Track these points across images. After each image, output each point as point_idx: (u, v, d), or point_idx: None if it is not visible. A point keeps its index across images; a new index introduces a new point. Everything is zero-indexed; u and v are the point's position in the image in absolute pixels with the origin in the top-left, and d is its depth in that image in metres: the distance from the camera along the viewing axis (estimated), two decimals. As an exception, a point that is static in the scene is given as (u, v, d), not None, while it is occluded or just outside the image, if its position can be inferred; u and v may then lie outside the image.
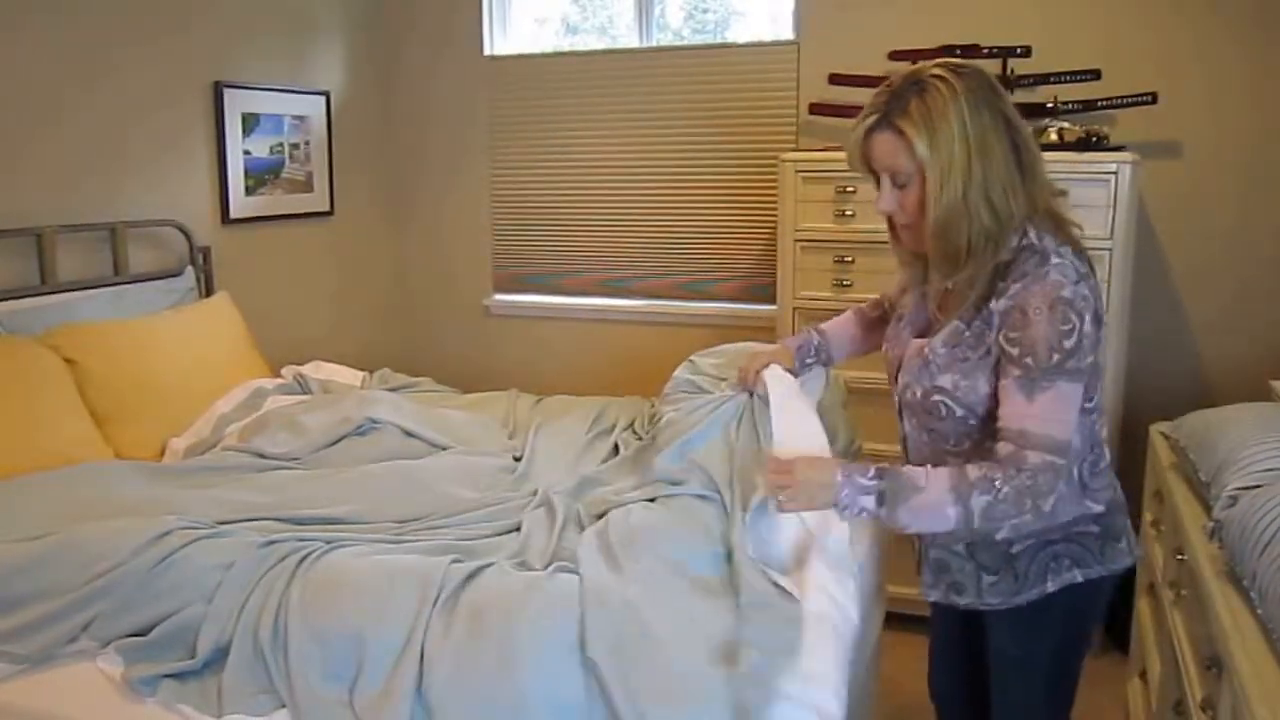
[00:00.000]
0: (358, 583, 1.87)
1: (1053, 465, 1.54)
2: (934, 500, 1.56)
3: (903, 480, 1.58)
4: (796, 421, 1.97)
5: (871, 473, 1.60)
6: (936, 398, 1.69)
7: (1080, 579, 1.71)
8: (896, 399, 1.81)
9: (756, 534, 1.92)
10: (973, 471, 1.56)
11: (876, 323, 2.10)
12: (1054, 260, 1.58)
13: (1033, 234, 1.61)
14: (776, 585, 1.82)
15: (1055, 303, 1.55)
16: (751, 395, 2.20)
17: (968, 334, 1.65)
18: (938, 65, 1.62)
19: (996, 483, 1.53)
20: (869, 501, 1.59)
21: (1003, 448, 1.57)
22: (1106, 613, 1.88)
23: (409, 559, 1.95)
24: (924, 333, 1.77)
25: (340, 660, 1.78)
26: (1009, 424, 1.57)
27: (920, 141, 1.57)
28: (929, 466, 1.60)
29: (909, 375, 1.74)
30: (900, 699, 2.85)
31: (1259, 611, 1.62)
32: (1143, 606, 2.70)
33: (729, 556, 1.92)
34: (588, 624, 1.72)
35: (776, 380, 2.11)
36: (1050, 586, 1.71)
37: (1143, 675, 2.57)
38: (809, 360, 2.17)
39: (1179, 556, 2.16)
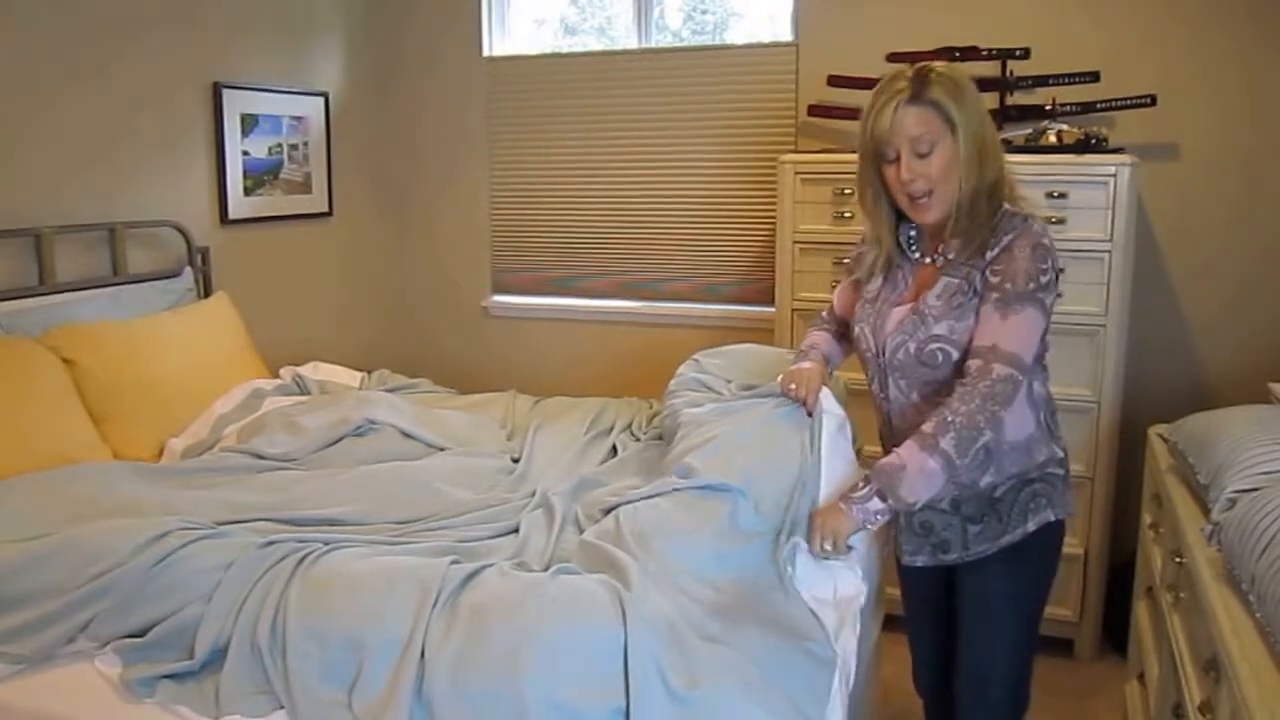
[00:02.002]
0: (356, 584, 1.87)
1: (1013, 378, 1.79)
2: (915, 466, 1.78)
3: (886, 471, 1.81)
4: (844, 469, 2.15)
5: (861, 485, 1.85)
6: (933, 346, 1.88)
7: (1053, 518, 1.95)
8: (882, 368, 1.98)
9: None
10: (928, 426, 1.79)
11: (843, 334, 2.26)
12: (1032, 220, 1.86)
13: (1007, 205, 1.89)
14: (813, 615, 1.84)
15: (1037, 246, 1.82)
16: (810, 415, 2.20)
17: (960, 283, 1.87)
18: (932, 64, 1.87)
19: (948, 418, 1.77)
20: (875, 505, 1.83)
21: (972, 363, 1.81)
22: None
23: (408, 560, 1.95)
24: (903, 304, 1.97)
25: (339, 661, 1.77)
26: (982, 340, 1.81)
27: (952, 108, 1.81)
28: (899, 448, 1.82)
29: (902, 335, 1.92)
30: (899, 701, 2.85)
31: (1257, 614, 1.62)
32: (1141, 609, 2.71)
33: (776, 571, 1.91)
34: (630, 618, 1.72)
35: (834, 419, 2.19)
36: (1031, 525, 1.94)
37: (1141, 678, 2.57)
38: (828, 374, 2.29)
39: (1177, 559, 2.16)
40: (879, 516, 1.84)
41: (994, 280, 1.82)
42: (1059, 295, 1.88)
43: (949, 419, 1.77)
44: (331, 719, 1.73)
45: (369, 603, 1.82)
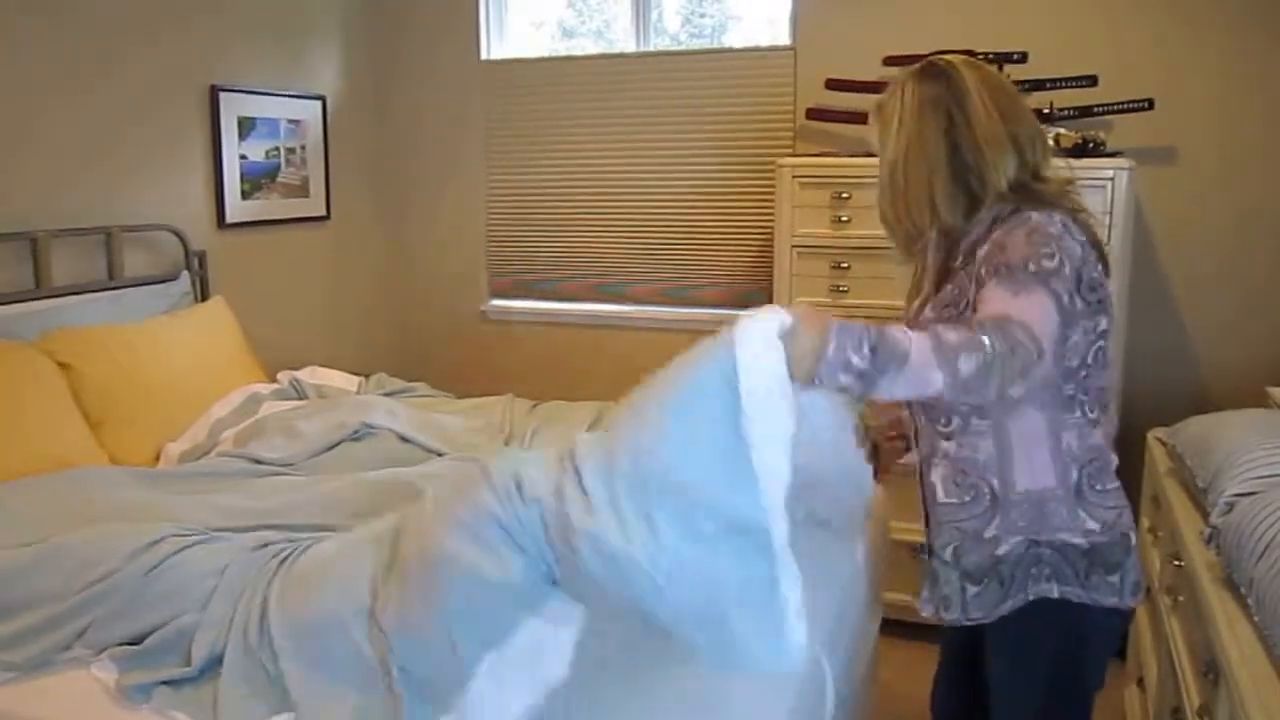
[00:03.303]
0: (325, 566, 1.86)
1: (1031, 353, 1.47)
2: (920, 367, 1.43)
3: (887, 352, 1.43)
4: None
5: (866, 350, 1.41)
6: None
7: (1056, 595, 1.68)
8: None
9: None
10: (953, 336, 1.44)
11: None
12: (1036, 214, 1.64)
13: (1010, 207, 1.68)
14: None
15: (1034, 231, 1.60)
16: None
17: (954, 291, 1.70)
18: (920, 68, 1.77)
19: (985, 341, 1.44)
20: (848, 380, 1.43)
21: (982, 322, 1.49)
22: (1106, 660, 1.80)
23: (362, 532, 1.94)
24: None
25: (322, 645, 1.76)
26: (990, 312, 1.52)
27: (874, 130, 1.82)
28: (910, 334, 1.46)
29: None
30: (898, 706, 2.84)
31: (1256, 618, 1.62)
32: (1140, 613, 2.70)
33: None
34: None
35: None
36: (1030, 595, 1.69)
37: (1140, 682, 2.57)
38: None
39: (1176, 563, 2.16)
40: (846, 379, 1.42)
41: (989, 271, 1.59)
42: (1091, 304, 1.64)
43: (983, 339, 1.44)
44: (332, 708, 1.72)
45: (339, 581, 1.81)
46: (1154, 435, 2.76)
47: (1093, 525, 1.68)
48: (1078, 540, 1.67)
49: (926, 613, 1.83)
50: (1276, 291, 3.32)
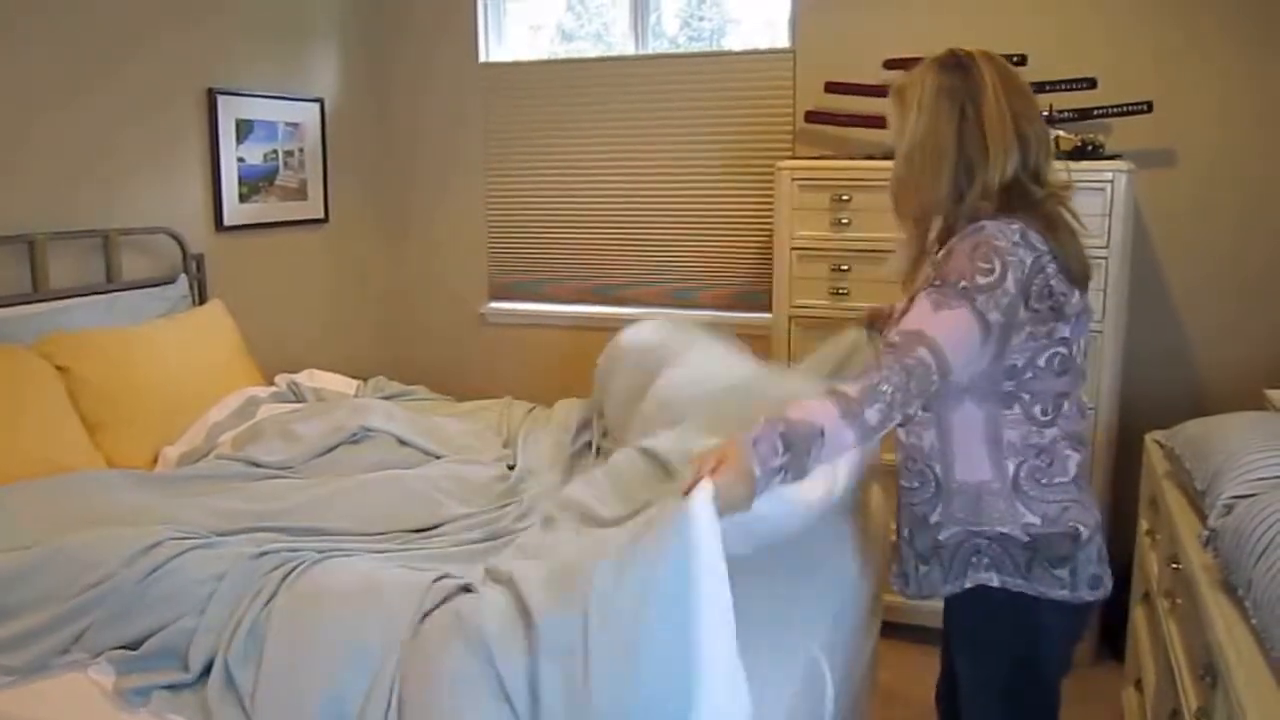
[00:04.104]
0: (341, 598, 1.85)
1: (931, 371, 1.58)
2: (833, 434, 1.53)
3: (800, 433, 1.51)
4: None
5: (780, 448, 1.49)
6: None
7: (996, 583, 1.73)
8: None
9: None
10: (853, 389, 1.55)
11: None
12: (991, 224, 1.67)
13: (984, 219, 1.69)
14: None
15: (980, 244, 1.64)
16: None
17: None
18: (941, 57, 1.79)
19: (880, 386, 1.55)
20: (781, 478, 1.51)
21: (894, 339, 1.63)
22: (1066, 648, 1.86)
23: (394, 573, 1.93)
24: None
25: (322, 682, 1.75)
26: (908, 325, 1.63)
27: (892, 113, 1.82)
28: (813, 404, 1.55)
29: None
30: (898, 708, 2.84)
31: (1253, 621, 1.62)
32: (1138, 615, 2.71)
33: None
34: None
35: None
36: (968, 582, 1.76)
37: (1138, 684, 2.57)
38: None
39: (1174, 565, 2.16)
40: (779, 479, 1.50)
41: (932, 282, 1.67)
42: (1045, 312, 1.66)
43: (881, 387, 1.54)
44: None
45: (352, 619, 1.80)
46: (1152, 438, 2.76)
47: (1032, 519, 1.71)
48: (1016, 533, 1.72)
49: (895, 587, 1.93)
50: (1275, 293, 3.32)
